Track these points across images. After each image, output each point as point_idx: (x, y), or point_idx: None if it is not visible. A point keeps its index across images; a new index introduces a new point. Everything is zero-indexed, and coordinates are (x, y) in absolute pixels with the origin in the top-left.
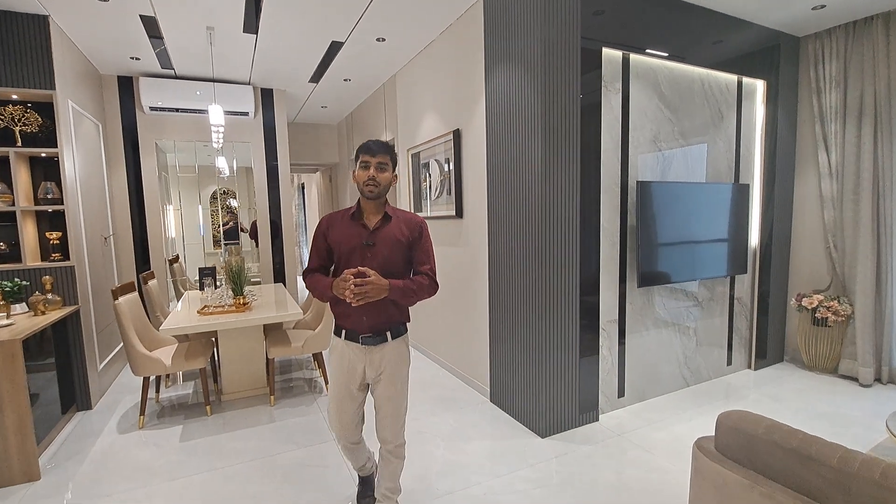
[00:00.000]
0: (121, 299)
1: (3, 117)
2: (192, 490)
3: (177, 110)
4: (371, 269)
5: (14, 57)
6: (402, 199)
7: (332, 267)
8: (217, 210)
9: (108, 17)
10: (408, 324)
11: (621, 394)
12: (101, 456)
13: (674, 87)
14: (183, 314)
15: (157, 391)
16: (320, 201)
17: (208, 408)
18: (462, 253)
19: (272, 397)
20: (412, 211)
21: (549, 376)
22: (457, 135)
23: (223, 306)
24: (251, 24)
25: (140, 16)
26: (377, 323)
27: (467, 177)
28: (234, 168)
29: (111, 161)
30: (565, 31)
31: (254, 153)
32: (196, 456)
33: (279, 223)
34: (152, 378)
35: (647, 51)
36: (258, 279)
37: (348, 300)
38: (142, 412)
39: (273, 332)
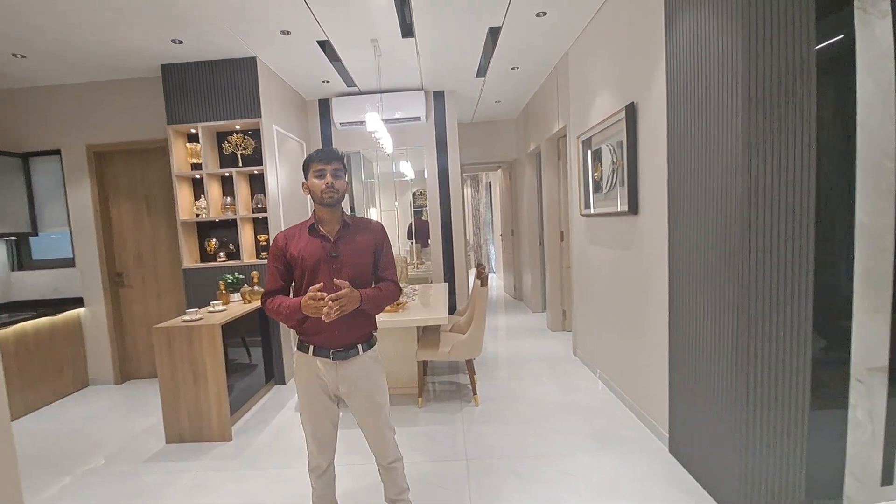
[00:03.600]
0: None
1: (230, 144)
2: None
3: (361, 123)
4: (344, 281)
5: (235, 94)
6: (573, 194)
7: (294, 286)
8: (419, 209)
9: (294, 47)
10: (375, 333)
11: (888, 480)
12: (275, 430)
13: None
14: None
15: None
16: (502, 199)
17: None
18: (636, 258)
19: (420, 399)
20: (582, 209)
21: (756, 434)
22: (630, 110)
23: None
24: (407, 27)
25: (317, 41)
26: (350, 337)
27: (644, 162)
28: (412, 171)
29: None
30: None
31: (426, 155)
32: (341, 445)
33: (450, 222)
34: None
35: None
36: (428, 276)
37: (324, 318)
38: None
39: (427, 333)
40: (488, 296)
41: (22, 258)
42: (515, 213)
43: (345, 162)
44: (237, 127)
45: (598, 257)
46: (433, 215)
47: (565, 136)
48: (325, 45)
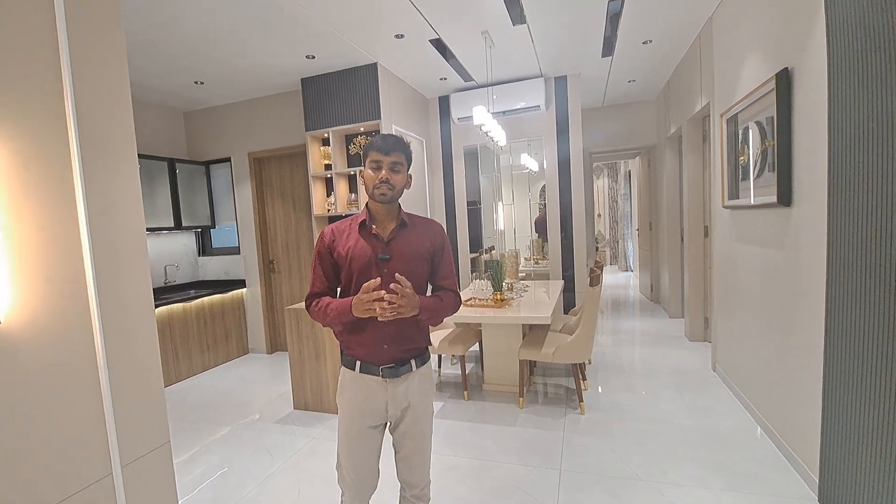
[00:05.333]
0: None
1: (355, 145)
2: None
3: None
4: (405, 279)
5: (359, 98)
6: (716, 182)
7: (341, 288)
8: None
9: (409, 49)
10: (428, 347)
11: None
12: None
13: None
14: None
15: (440, 366)
16: (640, 189)
17: (465, 393)
18: (789, 259)
19: (521, 399)
20: (726, 200)
21: None
22: (783, 78)
23: (485, 300)
24: (517, 15)
25: (429, 41)
26: (400, 351)
27: (800, 141)
28: (534, 163)
29: (432, 168)
30: None
31: (545, 145)
32: (436, 437)
33: (570, 215)
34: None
35: None
36: (549, 272)
37: (378, 316)
38: None
39: (534, 331)
40: (611, 297)
41: (205, 246)
42: (654, 205)
43: (409, 153)
44: (361, 129)
45: (743, 257)
46: (552, 208)
47: (709, 115)
48: (437, 43)
